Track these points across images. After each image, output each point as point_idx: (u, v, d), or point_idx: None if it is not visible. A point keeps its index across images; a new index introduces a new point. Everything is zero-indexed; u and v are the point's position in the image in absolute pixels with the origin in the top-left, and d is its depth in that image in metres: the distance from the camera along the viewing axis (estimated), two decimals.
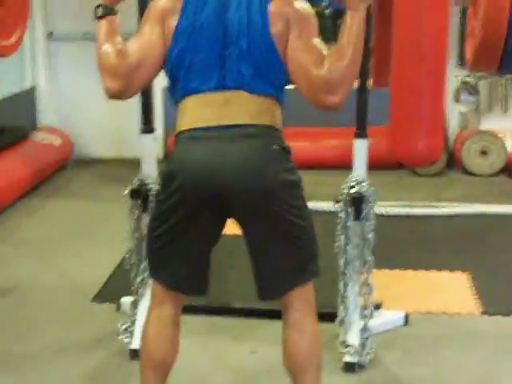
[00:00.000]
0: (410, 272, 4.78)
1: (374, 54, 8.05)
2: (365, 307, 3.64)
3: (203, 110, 2.67)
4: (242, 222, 2.73)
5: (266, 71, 2.66)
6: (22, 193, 6.25)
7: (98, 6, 2.71)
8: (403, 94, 6.00)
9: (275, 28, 2.63)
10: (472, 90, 7.17)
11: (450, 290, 4.55)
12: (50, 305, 4.36)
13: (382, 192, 5.77)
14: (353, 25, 2.56)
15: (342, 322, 3.66)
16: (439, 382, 3.54)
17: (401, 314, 4.00)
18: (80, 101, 7.50)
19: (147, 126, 3.74)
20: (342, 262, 3.62)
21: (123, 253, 3.89)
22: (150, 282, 2.96)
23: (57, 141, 7.25)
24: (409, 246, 5.28)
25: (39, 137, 7.16)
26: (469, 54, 2.94)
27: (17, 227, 5.69)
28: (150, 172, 3.69)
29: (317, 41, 2.63)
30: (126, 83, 2.66)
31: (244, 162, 2.61)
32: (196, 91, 2.68)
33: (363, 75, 3.56)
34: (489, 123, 7.27)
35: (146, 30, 2.70)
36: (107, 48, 2.66)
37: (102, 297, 4.41)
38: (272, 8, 2.64)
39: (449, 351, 3.80)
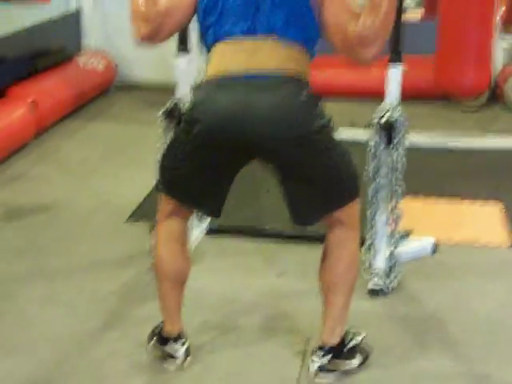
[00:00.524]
0: (442, 202, 4.78)
1: None
2: (392, 234, 3.66)
3: (233, 56, 2.69)
4: (272, 164, 2.75)
5: (299, 21, 2.68)
6: (64, 114, 6.31)
7: None
8: (451, 24, 5.95)
9: None
10: None
11: (482, 220, 4.55)
12: (85, 223, 4.46)
13: (425, 122, 5.79)
14: None
15: (368, 249, 3.69)
16: (462, 310, 3.55)
17: (429, 243, 4.01)
18: (124, 25, 7.46)
19: (183, 46, 3.73)
20: (370, 190, 3.61)
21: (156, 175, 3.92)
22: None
23: (100, 64, 7.28)
24: (445, 176, 5.25)
25: (83, 60, 7.19)
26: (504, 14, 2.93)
27: (57, 147, 5.79)
28: (185, 93, 3.71)
29: None
30: (155, 29, 2.74)
31: (272, 111, 2.61)
32: (228, 35, 2.70)
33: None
34: None
35: None
36: None
37: (136, 217, 4.48)
38: None
39: (474, 281, 3.81)
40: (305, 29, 2.69)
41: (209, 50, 2.76)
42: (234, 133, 2.62)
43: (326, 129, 2.70)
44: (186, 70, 3.78)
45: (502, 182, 5.14)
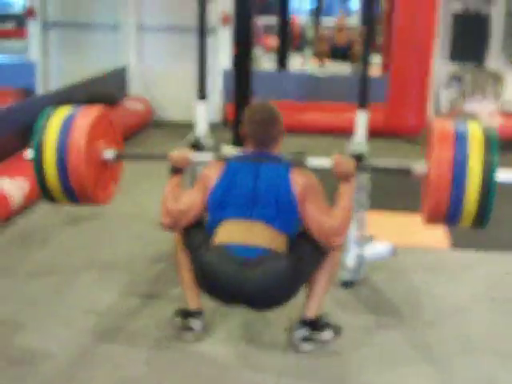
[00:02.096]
0: (397, 214, 4.81)
1: (382, 49, 8.02)
2: (360, 239, 3.68)
3: (233, 229, 2.86)
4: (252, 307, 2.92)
5: (285, 217, 2.86)
6: None
7: (171, 167, 3.12)
8: (398, 77, 6.02)
9: (296, 190, 2.85)
10: (459, 79, 7.09)
11: (428, 229, 4.50)
12: (126, 228, 4.49)
13: (381, 153, 5.78)
14: (346, 192, 2.90)
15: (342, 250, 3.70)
16: (411, 296, 3.60)
17: (389, 246, 4.01)
18: (160, 77, 7.56)
19: (201, 94, 3.76)
20: None
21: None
22: None
23: (140, 107, 7.33)
24: (398, 194, 5.25)
25: (128, 103, 7.24)
26: (423, 212, 3.05)
27: None
28: (202, 130, 3.73)
29: (323, 201, 2.88)
30: (174, 221, 2.96)
31: (260, 283, 2.76)
32: (230, 218, 2.88)
33: (365, 64, 3.55)
34: (470, 106, 7.16)
35: (194, 190, 3.00)
36: (169, 195, 3.00)
37: None
38: (293, 177, 2.88)
39: (421, 275, 3.85)
40: (288, 224, 2.87)
41: (213, 229, 2.91)
42: (232, 295, 2.82)
43: (294, 276, 2.83)
44: (204, 113, 3.79)
45: None
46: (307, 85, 7.08)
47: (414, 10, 5.36)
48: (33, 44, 7.94)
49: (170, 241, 3.98)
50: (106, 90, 6.96)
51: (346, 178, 2.94)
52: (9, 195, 4.38)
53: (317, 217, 2.83)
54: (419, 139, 6.79)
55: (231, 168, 2.95)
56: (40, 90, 7.59)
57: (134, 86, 7.68)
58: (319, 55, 11.23)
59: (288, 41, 9.32)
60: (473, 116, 6.88)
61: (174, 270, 3.45)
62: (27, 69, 7.69)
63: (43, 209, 4.72)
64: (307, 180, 2.89)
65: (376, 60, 10.89)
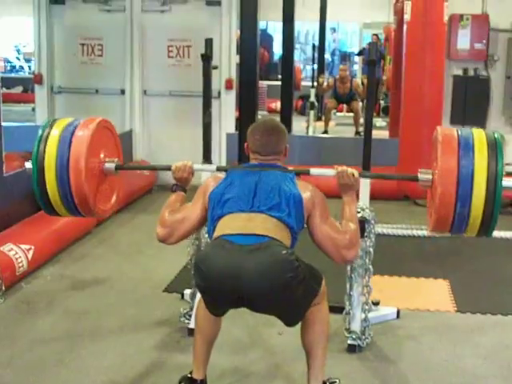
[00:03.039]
0: (403, 278, 4.78)
1: (390, 113, 8.12)
2: (365, 303, 3.68)
3: (232, 222, 2.74)
4: (252, 307, 2.74)
5: (287, 209, 2.75)
6: (118, 209, 6.36)
7: (173, 185, 3.07)
8: (409, 143, 6.08)
9: (304, 194, 2.80)
10: None
11: (433, 293, 4.55)
12: (132, 292, 4.46)
13: (391, 216, 5.82)
14: (351, 206, 2.90)
15: (347, 314, 3.70)
16: (417, 360, 3.56)
17: (394, 310, 4.02)
18: (163, 140, 7.65)
19: (207, 157, 3.86)
20: (348, 269, 3.65)
21: (186, 256, 3.97)
22: None
23: (145, 171, 7.37)
24: (405, 258, 5.28)
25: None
26: (429, 221, 3.08)
27: (113, 234, 5.83)
28: None
29: (330, 216, 2.85)
30: (169, 232, 2.89)
31: (258, 270, 2.56)
32: (230, 212, 2.77)
33: (368, 127, 3.61)
34: None
35: (193, 201, 2.93)
36: (167, 208, 2.94)
37: (171, 288, 4.50)
38: (298, 182, 2.85)
39: (428, 339, 3.81)
40: (291, 216, 2.76)
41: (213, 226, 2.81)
42: (229, 287, 2.58)
43: (295, 279, 2.59)
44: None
45: (448, 263, 5.15)
46: (311, 148, 7.14)
47: (422, 75, 5.45)
48: (40, 109, 8.07)
49: (175, 306, 4.03)
50: None
51: (348, 189, 2.91)
52: (14, 260, 4.39)
53: (329, 233, 2.79)
54: None
55: (232, 174, 2.91)
56: None
57: (139, 150, 7.76)
58: (325, 113, 11.29)
59: (291, 103, 9.46)
60: None
61: (180, 336, 3.46)
62: (35, 133, 7.77)
63: (48, 274, 4.73)
64: (315, 191, 2.85)
65: (379, 123, 11.10)
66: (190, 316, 3.77)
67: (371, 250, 3.63)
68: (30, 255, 4.56)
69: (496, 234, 5.82)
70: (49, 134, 3.11)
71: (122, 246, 5.53)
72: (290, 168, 2.97)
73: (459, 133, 2.88)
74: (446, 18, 5.25)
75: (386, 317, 3.97)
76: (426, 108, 5.92)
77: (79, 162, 3.02)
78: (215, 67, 4.05)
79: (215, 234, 2.74)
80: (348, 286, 3.69)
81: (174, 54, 7.60)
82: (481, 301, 4.37)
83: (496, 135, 2.87)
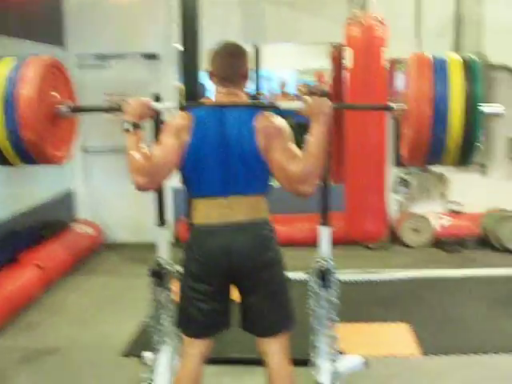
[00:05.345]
0: (364, 325, 4.77)
1: (332, 159, 8.19)
2: (331, 354, 3.63)
3: (211, 210, 2.80)
4: (240, 287, 2.85)
5: (256, 174, 2.78)
6: (66, 272, 6.20)
7: (125, 122, 2.79)
8: (354, 188, 6.11)
9: (259, 139, 2.72)
10: (405, 183, 7.27)
11: (396, 337, 4.54)
12: (87, 361, 4.30)
13: (343, 262, 5.82)
14: (317, 132, 2.71)
15: (314, 366, 3.64)
16: None
17: (360, 359, 3.98)
18: (108, 199, 7.52)
19: (161, 221, 3.75)
20: (312, 319, 3.60)
21: (144, 317, 3.86)
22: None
23: (90, 230, 7.24)
24: (363, 304, 5.26)
25: (77, 228, 7.15)
26: (403, 153, 3.02)
27: (63, 299, 5.63)
28: (164, 255, 3.67)
29: (291, 145, 2.73)
30: (151, 179, 2.73)
31: (245, 247, 2.78)
32: (207, 194, 2.80)
33: (325, 178, 3.59)
34: (419, 208, 7.34)
35: (165, 141, 2.76)
36: (136, 153, 2.73)
37: (129, 352, 4.36)
38: (257, 124, 2.74)
39: None
40: (261, 178, 2.80)
41: (191, 196, 2.85)
42: (222, 264, 2.77)
43: (278, 261, 2.86)
44: (164, 237, 3.75)
45: (406, 306, 5.16)
46: None
47: (365, 120, 5.50)
48: None
49: (135, 371, 3.90)
50: (53, 216, 6.88)
51: (318, 118, 2.73)
52: None
53: (281, 163, 2.67)
54: (383, 247, 6.88)
55: (199, 120, 2.76)
56: None
57: (83, 209, 7.62)
58: None
59: None
60: (421, 217, 7.03)
61: None
62: None
63: None
64: (271, 124, 2.74)
65: None
66: (152, 381, 3.64)
67: (335, 300, 3.59)
68: None
69: (448, 272, 5.94)
70: None
71: (74, 312, 5.35)
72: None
73: (433, 56, 2.83)
74: (385, 63, 5.34)
75: (353, 366, 3.92)
76: (370, 152, 5.96)
77: (28, 102, 2.89)
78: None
79: (198, 220, 2.82)
80: (313, 337, 3.63)
81: None
82: (444, 342, 4.38)
83: (472, 56, 2.83)
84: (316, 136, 2.69)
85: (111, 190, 7.42)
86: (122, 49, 7.31)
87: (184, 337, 2.97)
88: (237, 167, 2.75)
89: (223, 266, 2.78)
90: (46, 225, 6.59)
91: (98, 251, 7.14)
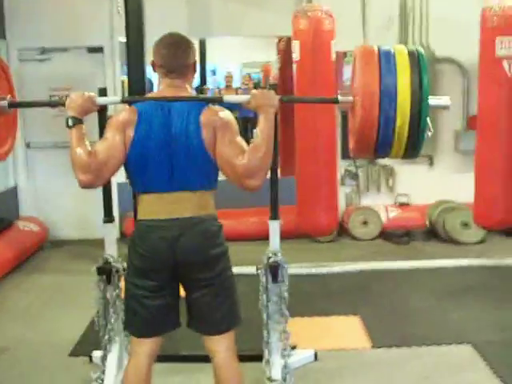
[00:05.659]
0: (315, 318, 4.77)
1: (280, 151, 8.17)
2: (284, 349, 3.62)
3: (157, 206, 2.75)
4: (186, 283, 2.81)
5: (202, 169, 2.72)
6: (9, 270, 6.06)
7: (68, 118, 2.70)
8: (305, 182, 6.11)
9: (206, 134, 2.67)
10: (353, 175, 7.32)
11: (347, 330, 4.56)
12: (35, 361, 4.19)
13: (292, 256, 5.82)
14: (264, 125, 2.66)
15: (267, 362, 3.61)
16: None
17: (311, 352, 3.98)
18: (52, 195, 7.37)
19: (108, 218, 3.66)
20: (264, 315, 3.57)
21: (92, 315, 3.79)
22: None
23: (35, 227, 7.08)
24: (313, 298, 5.26)
25: (21, 225, 6.99)
26: (351, 145, 3.02)
27: (5, 298, 5.49)
28: (112, 252, 3.60)
29: (238, 138, 2.69)
30: (96, 176, 2.65)
31: (189, 244, 2.72)
32: (152, 190, 2.74)
33: (274, 172, 3.57)
34: (367, 200, 7.40)
35: (109, 136, 2.69)
36: (79, 150, 2.64)
37: (77, 352, 4.27)
38: (203, 118, 2.70)
39: (348, 380, 3.80)
40: (208, 173, 2.74)
41: (135, 192, 2.81)
42: (166, 259, 2.71)
43: (223, 256, 2.81)
44: (112, 234, 3.68)
45: (356, 298, 5.18)
46: None
47: (313, 112, 5.49)
48: None
49: (83, 370, 3.83)
50: None
51: (264, 111, 2.67)
52: None
53: (228, 157, 2.62)
54: (332, 240, 6.90)
55: (144, 115, 2.69)
56: None
57: (26, 206, 7.45)
58: None
59: None
60: (369, 210, 7.08)
61: None
62: None
63: None
64: (217, 118, 2.68)
65: None
66: (102, 381, 3.58)
67: (286, 294, 3.58)
68: None
69: (396, 264, 5.99)
70: None
71: (18, 309, 5.22)
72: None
73: (379, 48, 2.83)
74: (333, 56, 5.34)
75: (304, 360, 3.92)
76: (320, 145, 5.96)
77: None
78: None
79: (142, 215, 2.77)
80: (265, 333, 3.61)
81: None
82: (393, 334, 4.42)
83: (418, 48, 2.84)
84: (263, 129, 2.64)
85: (56, 186, 7.27)
86: (65, 42, 7.18)
87: (131, 336, 2.91)
88: (183, 162, 2.69)
89: (168, 261, 2.73)
90: None
91: (44, 248, 7.00)
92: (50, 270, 6.29)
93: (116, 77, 7.29)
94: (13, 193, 7.35)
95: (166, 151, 2.69)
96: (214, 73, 16.75)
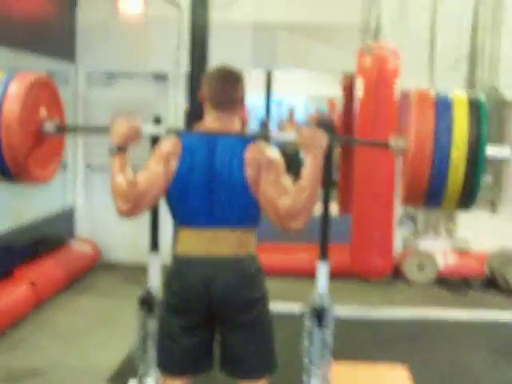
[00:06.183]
0: (360, 365, 4.59)
1: (339, 188, 8.07)
2: None
3: (195, 241, 2.67)
4: (221, 324, 2.69)
5: (244, 207, 2.63)
6: (58, 290, 6.07)
7: (111, 147, 2.69)
8: (362, 221, 5.98)
9: (250, 171, 2.59)
10: (411, 217, 7.13)
11: (392, 381, 4.37)
12: None
13: (342, 295, 5.66)
14: (311, 167, 2.56)
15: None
16: None
17: None
18: (108, 217, 7.37)
19: (154, 246, 3.61)
20: (306, 360, 3.44)
21: (133, 342, 3.72)
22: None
23: (88, 248, 7.13)
24: (360, 343, 5.08)
25: (75, 245, 7.04)
26: (401, 193, 2.89)
27: (53, 318, 5.49)
28: (155, 283, 3.54)
29: (283, 178, 2.60)
30: (134, 206, 2.58)
31: (226, 285, 2.62)
32: (191, 223, 2.66)
33: (325, 211, 3.45)
34: (424, 243, 7.18)
35: (152, 166, 2.64)
36: (119, 178, 2.59)
37: (115, 379, 4.22)
38: (248, 155, 2.61)
39: None
40: (250, 211, 2.64)
41: (176, 224, 2.71)
42: (201, 299, 2.62)
43: (262, 300, 2.69)
44: (157, 266, 3.62)
45: (406, 347, 4.98)
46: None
47: (373, 152, 5.38)
48: None
49: None
50: (51, 232, 6.77)
51: (311, 150, 2.57)
52: None
53: (271, 196, 2.54)
54: (385, 282, 6.72)
55: (188, 147, 2.63)
56: None
57: (82, 227, 7.50)
58: None
59: None
60: (427, 254, 6.87)
61: None
62: None
63: None
64: (262, 156, 2.60)
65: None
66: None
67: (330, 340, 3.44)
68: None
69: (451, 314, 5.77)
70: None
71: (62, 331, 5.20)
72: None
73: (436, 93, 2.71)
74: (397, 95, 5.24)
75: None
76: (379, 185, 5.85)
77: (12, 118, 2.83)
78: None
79: (181, 250, 2.69)
80: (305, 377, 3.47)
81: None
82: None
83: (479, 97, 2.70)
84: (309, 170, 2.54)
85: (112, 209, 7.25)
86: (131, 68, 7.27)
87: (162, 375, 2.81)
88: (224, 198, 2.61)
89: (202, 301, 2.63)
90: (43, 240, 6.47)
91: (94, 270, 7.01)
92: (98, 293, 6.29)
93: (178, 105, 7.32)
94: (70, 213, 7.41)
95: (207, 186, 2.62)
96: (279, 105, 16.80)
